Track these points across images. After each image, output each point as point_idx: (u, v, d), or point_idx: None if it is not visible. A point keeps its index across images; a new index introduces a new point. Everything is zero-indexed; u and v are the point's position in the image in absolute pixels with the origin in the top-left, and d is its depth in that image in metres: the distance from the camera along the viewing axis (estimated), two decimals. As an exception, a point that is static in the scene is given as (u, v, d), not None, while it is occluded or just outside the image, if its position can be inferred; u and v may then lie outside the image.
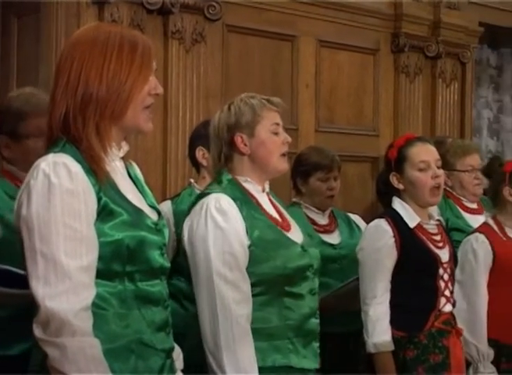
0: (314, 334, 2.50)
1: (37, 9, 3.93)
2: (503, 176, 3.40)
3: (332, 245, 3.59)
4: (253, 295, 2.38)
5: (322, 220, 3.69)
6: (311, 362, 2.48)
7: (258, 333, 2.38)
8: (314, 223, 3.64)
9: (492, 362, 3.26)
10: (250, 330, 2.35)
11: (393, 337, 2.94)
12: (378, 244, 2.98)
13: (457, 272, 3.28)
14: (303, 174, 3.68)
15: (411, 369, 2.93)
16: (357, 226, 3.73)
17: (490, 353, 3.24)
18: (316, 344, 2.51)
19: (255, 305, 2.39)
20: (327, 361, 2.71)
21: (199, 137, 3.16)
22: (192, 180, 3.30)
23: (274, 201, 2.60)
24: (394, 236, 2.97)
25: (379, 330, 2.93)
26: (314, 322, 2.50)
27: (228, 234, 2.36)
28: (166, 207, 3.15)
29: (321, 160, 3.68)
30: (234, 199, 2.42)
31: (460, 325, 3.16)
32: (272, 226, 2.46)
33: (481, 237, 3.31)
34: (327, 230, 3.67)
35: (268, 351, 2.39)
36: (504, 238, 3.35)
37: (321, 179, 3.66)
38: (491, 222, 3.40)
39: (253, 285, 2.39)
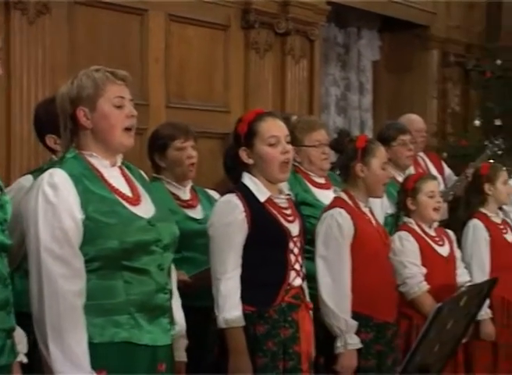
0: (162, 310, 2.47)
1: None
2: (355, 152, 3.45)
3: (196, 220, 3.57)
4: (91, 270, 2.35)
5: (185, 195, 3.67)
6: (158, 338, 2.44)
7: (96, 308, 2.34)
8: (177, 198, 3.62)
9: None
10: (79, 306, 2.31)
11: (244, 313, 2.94)
12: (229, 219, 2.97)
13: (321, 247, 3.32)
14: (160, 147, 3.64)
15: (262, 344, 2.95)
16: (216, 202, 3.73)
17: (355, 324, 3.31)
18: (165, 320, 2.48)
19: (93, 280, 2.35)
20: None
21: (43, 125, 3.09)
22: (54, 156, 3.21)
23: (129, 175, 2.55)
24: (245, 210, 2.97)
25: (230, 306, 2.92)
26: (163, 297, 2.47)
27: (58, 209, 2.32)
28: (28, 181, 3.06)
29: (175, 130, 3.66)
30: (71, 174, 2.37)
31: (326, 299, 3.25)
32: (111, 201, 2.41)
33: (343, 212, 3.36)
34: (190, 204, 3.65)
35: (106, 326, 2.35)
36: (359, 212, 3.43)
37: (179, 148, 3.63)
38: (344, 196, 3.46)
39: (90, 260, 2.35)
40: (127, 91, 2.49)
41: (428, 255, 3.82)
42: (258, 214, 2.99)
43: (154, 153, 3.67)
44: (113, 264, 2.37)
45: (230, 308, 2.93)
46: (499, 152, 6.21)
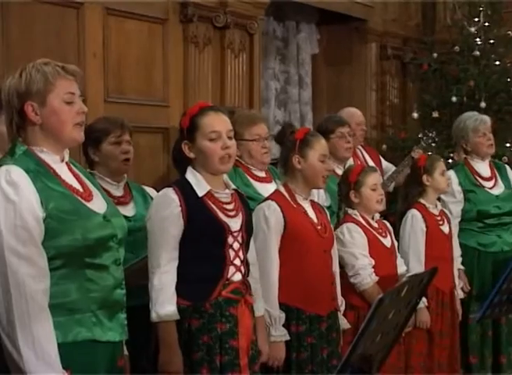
0: (120, 305, 2.47)
1: None
2: (293, 144, 3.46)
3: (126, 217, 3.53)
4: (52, 269, 2.32)
5: (117, 192, 3.62)
6: (117, 334, 2.45)
7: (59, 308, 2.32)
8: (108, 195, 3.56)
9: (283, 325, 3.35)
10: (46, 306, 2.28)
11: (178, 307, 2.93)
12: (165, 213, 2.96)
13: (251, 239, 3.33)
14: (94, 142, 3.58)
15: (196, 338, 2.94)
16: (152, 199, 3.70)
17: (282, 317, 3.32)
18: (123, 316, 2.49)
19: (55, 279, 2.32)
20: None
21: None
22: None
23: (75, 170, 2.52)
24: (180, 205, 2.96)
25: (163, 300, 2.92)
26: (120, 293, 2.47)
27: (20, 208, 2.27)
28: None
29: (110, 124, 3.62)
30: (27, 171, 2.32)
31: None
32: (69, 197, 2.38)
33: (273, 204, 3.37)
34: (121, 201, 3.60)
35: (69, 325, 2.33)
36: (295, 205, 3.43)
37: (113, 142, 3.59)
38: (282, 189, 3.47)
39: (52, 258, 2.32)
40: (76, 86, 2.45)
41: (374, 247, 3.86)
42: (194, 209, 2.97)
43: (88, 147, 3.62)
44: (75, 262, 2.35)
45: (163, 302, 2.92)
46: (433, 144, 6.33)
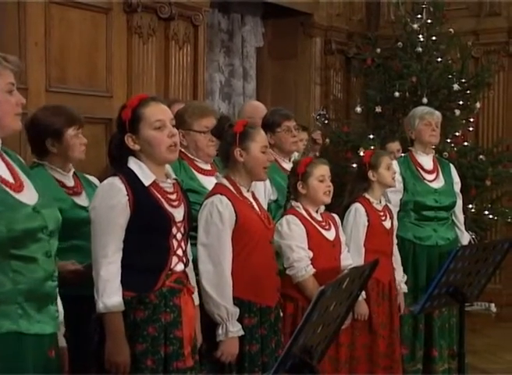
0: (50, 298, 2.44)
1: None
2: (233, 137, 3.46)
3: (83, 207, 3.49)
4: None
5: (69, 182, 3.58)
6: (47, 327, 2.41)
7: None
8: (63, 185, 3.52)
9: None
10: None
11: (124, 298, 2.90)
12: (112, 203, 2.92)
13: (202, 234, 3.29)
14: (54, 133, 3.50)
15: (142, 329, 2.92)
16: (97, 188, 3.67)
17: (237, 311, 3.32)
18: (54, 308, 2.45)
19: None
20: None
21: None
22: None
23: (9, 160, 2.48)
24: (128, 194, 2.93)
25: (110, 291, 2.88)
26: (51, 285, 2.43)
27: None
28: None
29: (70, 116, 3.55)
30: None
31: (206, 287, 3.22)
32: None
33: (224, 199, 3.33)
34: (76, 191, 3.56)
35: None
36: (241, 198, 3.43)
37: (75, 134, 3.53)
38: (226, 182, 3.44)
39: None
40: (14, 77, 2.42)
41: (314, 239, 3.87)
42: (141, 198, 2.95)
43: (46, 138, 3.54)
44: (0, 253, 2.30)
45: (110, 293, 2.88)
46: (326, 121, 6.45)
